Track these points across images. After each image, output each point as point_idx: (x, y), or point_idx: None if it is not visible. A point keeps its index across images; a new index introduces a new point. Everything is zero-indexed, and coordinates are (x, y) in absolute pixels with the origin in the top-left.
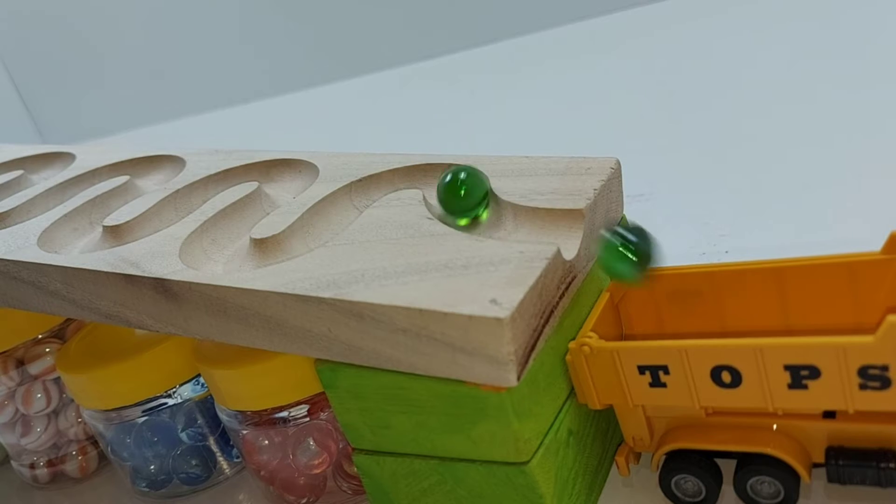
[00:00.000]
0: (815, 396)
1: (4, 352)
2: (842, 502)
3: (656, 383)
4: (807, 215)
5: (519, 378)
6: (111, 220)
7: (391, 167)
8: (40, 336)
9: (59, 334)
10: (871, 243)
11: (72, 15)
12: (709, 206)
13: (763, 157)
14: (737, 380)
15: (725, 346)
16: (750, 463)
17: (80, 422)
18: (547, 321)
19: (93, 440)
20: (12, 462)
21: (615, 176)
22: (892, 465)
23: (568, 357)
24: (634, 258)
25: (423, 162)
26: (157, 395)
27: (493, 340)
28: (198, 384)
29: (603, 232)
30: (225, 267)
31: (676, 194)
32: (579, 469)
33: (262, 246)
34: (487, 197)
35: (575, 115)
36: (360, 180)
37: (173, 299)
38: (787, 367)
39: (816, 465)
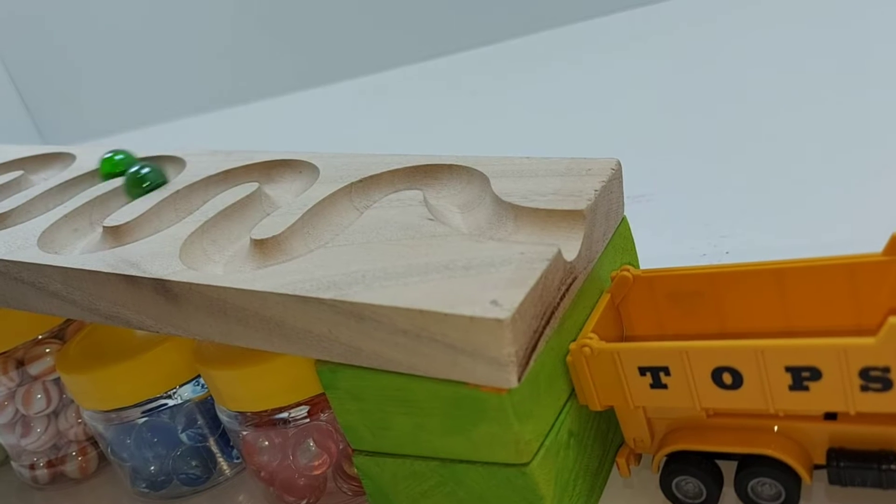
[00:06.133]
0: (817, 398)
1: (4, 352)
2: None
3: (657, 384)
4: (808, 216)
5: (519, 379)
6: (111, 221)
7: (391, 168)
8: (40, 337)
9: (59, 335)
10: (872, 245)
11: (72, 15)
12: (710, 207)
13: (764, 159)
14: (738, 381)
15: (726, 347)
16: (751, 464)
17: (79, 422)
18: (548, 322)
19: (93, 441)
20: (12, 463)
21: (616, 177)
22: (893, 466)
23: (569, 358)
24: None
25: (424, 163)
26: (157, 396)
27: (494, 342)
28: (198, 385)
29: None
30: (225, 268)
31: (677, 195)
32: (580, 470)
33: (263, 247)
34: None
35: (576, 115)
36: (360, 181)
37: (173, 300)
38: (788, 369)
39: (817, 467)
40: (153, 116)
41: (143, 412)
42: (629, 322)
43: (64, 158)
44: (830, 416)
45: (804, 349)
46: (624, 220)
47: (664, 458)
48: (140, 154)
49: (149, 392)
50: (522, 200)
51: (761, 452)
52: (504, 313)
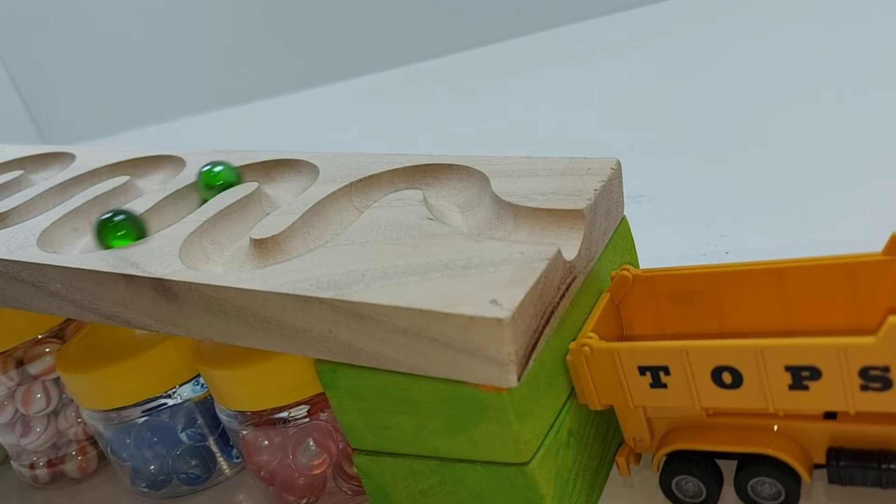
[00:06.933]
0: (816, 397)
1: (4, 352)
2: (843, 503)
3: (657, 384)
4: (807, 216)
5: (519, 379)
6: None
7: (391, 167)
8: (40, 336)
9: (58, 334)
10: (871, 244)
11: (72, 15)
12: (709, 206)
13: (764, 158)
14: (737, 380)
15: (726, 346)
16: (751, 464)
17: (79, 422)
18: (547, 322)
19: (92, 440)
20: (12, 462)
21: (616, 176)
22: (893, 466)
23: (568, 357)
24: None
25: (424, 162)
26: (156, 396)
27: (494, 341)
28: (198, 384)
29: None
30: (225, 267)
31: (677, 195)
32: (579, 470)
33: (262, 246)
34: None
35: (576, 115)
36: (360, 180)
37: (173, 300)
38: (787, 368)
39: (817, 466)
40: (153, 116)
41: (143, 412)
42: (629, 321)
43: (64, 158)
44: (830, 416)
45: (804, 349)
46: (624, 219)
47: (664, 458)
48: (140, 154)
49: (148, 391)
50: (522, 200)
51: (761, 452)
52: (504, 313)
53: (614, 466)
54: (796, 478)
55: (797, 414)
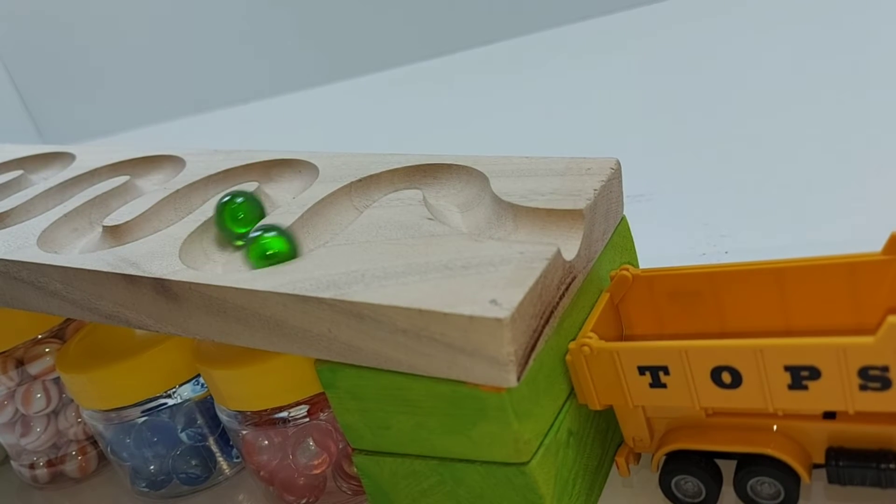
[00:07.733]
0: (816, 397)
1: (4, 352)
2: (842, 503)
3: (656, 384)
4: (807, 216)
5: (519, 379)
6: (111, 221)
7: (391, 167)
8: (40, 336)
9: (58, 334)
10: (871, 244)
11: (72, 15)
12: (709, 206)
13: (763, 158)
14: (737, 380)
15: (726, 346)
16: (750, 464)
17: (79, 422)
18: (547, 322)
19: (92, 440)
20: (12, 462)
21: (615, 176)
22: (892, 465)
23: (568, 357)
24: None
25: (423, 162)
26: (156, 396)
27: (493, 341)
28: (197, 384)
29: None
30: (225, 267)
31: (677, 195)
32: (579, 469)
33: None
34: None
35: (575, 115)
36: (360, 180)
37: (173, 299)
38: (787, 368)
39: (817, 466)
40: (153, 116)
41: (143, 411)
42: (628, 321)
43: (64, 158)
44: (829, 416)
45: (803, 348)
46: (623, 219)
47: (664, 458)
48: (140, 154)
49: (148, 391)
50: (522, 200)
51: (761, 451)
52: (503, 312)
53: (614, 466)
54: (796, 478)
55: (796, 414)
